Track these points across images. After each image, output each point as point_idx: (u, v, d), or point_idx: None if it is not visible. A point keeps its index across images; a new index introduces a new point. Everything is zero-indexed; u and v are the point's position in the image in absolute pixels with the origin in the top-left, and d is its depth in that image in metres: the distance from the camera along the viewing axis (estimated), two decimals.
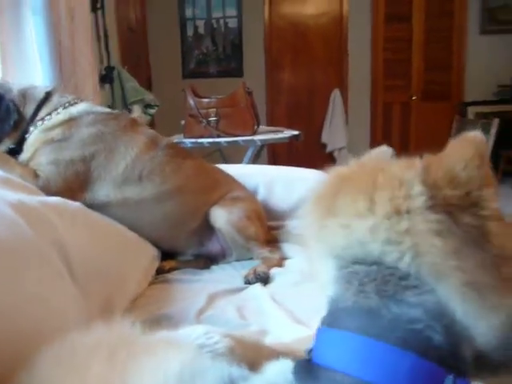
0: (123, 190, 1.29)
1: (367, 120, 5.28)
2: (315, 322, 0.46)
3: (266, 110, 5.21)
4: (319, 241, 0.45)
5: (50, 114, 1.29)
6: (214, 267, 1.44)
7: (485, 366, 0.40)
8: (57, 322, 0.78)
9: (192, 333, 0.64)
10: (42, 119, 1.29)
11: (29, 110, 1.29)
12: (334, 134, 5.09)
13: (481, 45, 5.05)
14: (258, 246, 1.40)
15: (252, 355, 0.63)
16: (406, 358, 0.37)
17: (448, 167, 0.39)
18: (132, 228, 1.31)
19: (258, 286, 1.22)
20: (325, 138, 5.15)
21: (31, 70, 1.78)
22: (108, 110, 1.42)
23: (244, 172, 1.74)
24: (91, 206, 1.25)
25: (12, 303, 0.69)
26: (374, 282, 0.41)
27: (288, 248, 1.49)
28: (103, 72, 2.93)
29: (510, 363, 0.40)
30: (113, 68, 2.97)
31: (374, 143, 5.24)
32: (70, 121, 1.28)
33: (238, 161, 2.64)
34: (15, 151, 1.29)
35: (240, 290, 1.23)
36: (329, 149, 5.14)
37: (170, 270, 1.39)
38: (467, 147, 0.39)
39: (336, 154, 5.13)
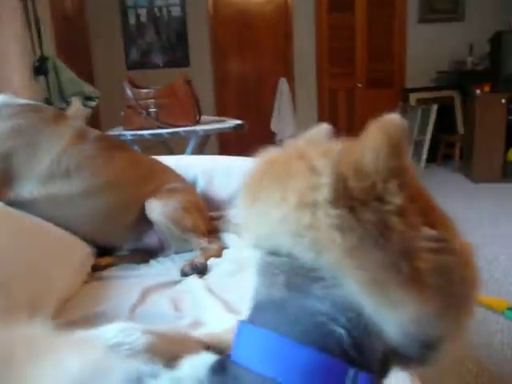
0: (49, 186, 1.23)
1: (314, 107, 5.35)
2: None
3: (215, 99, 5.16)
4: (247, 229, 0.43)
5: None
6: (152, 261, 1.40)
7: (399, 360, 0.39)
8: None
9: (109, 331, 0.62)
10: None
11: None
12: (282, 123, 5.11)
13: (420, 33, 5.22)
14: (195, 237, 1.37)
15: (177, 349, 0.62)
16: (304, 352, 0.36)
17: (356, 155, 0.36)
18: (62, 225, 1.25)
19: (193, 278, 1.21)
20: (273, 126, 5.17)
21: None
22: (29, 101, 1.34)
23: (183, 163, 1.71)
24: (15, 203, 1.18)
25: None
26: (284, 274, 0.39)
27: (228, 237, 1.49)
28: (36, 63, 2.78)
29: (423, 360, 0.39)
30: (46, 59, 2.83)
31: None
32: None
33: (184, 152, 2.59)
34: None
35: (175, 282, 1.21)
36: (278, 137, 5.16)
37: (106, 267, 1.35)
38: (378, 133, 0.35)
39: (286, 142, 5.16)
